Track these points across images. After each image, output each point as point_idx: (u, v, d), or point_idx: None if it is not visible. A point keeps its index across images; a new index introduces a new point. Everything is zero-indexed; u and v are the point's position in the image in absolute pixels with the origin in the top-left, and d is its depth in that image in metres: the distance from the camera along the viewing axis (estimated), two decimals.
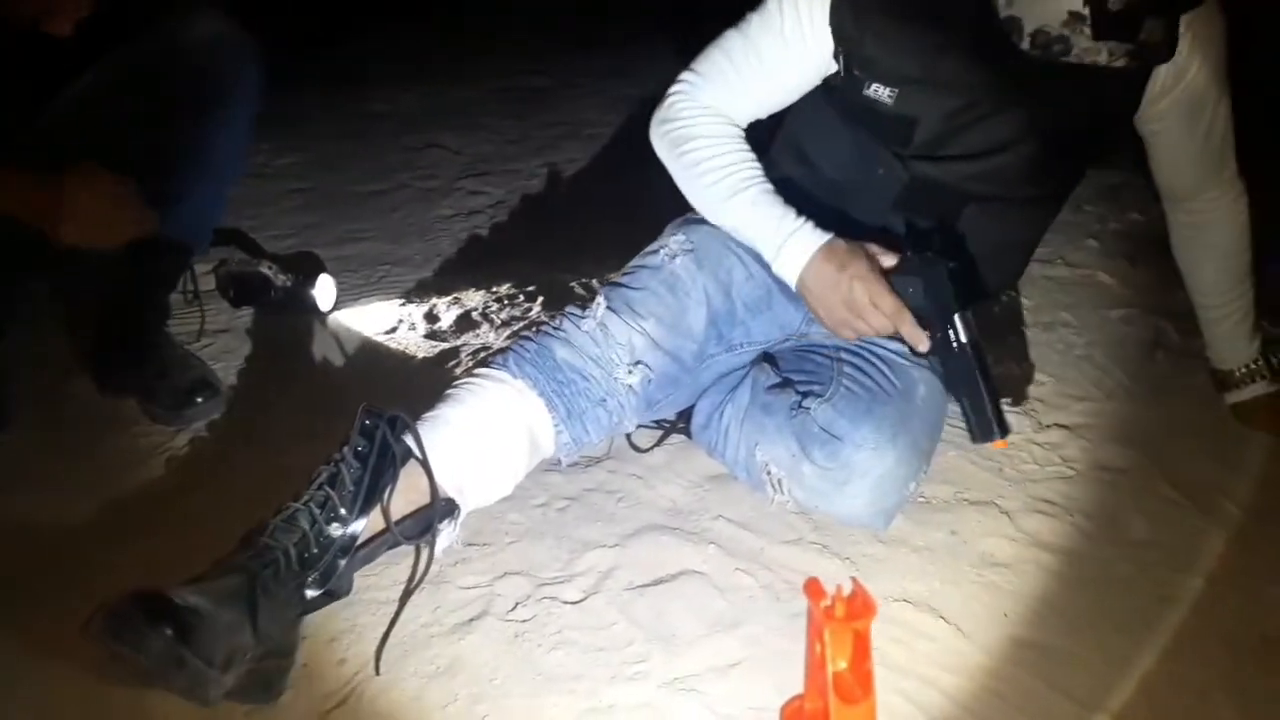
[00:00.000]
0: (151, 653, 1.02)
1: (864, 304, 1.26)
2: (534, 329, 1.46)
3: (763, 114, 1.43)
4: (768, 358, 1.55)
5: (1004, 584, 1.35)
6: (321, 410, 1.66)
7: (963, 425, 1.66)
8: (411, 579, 1.29)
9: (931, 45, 1.28)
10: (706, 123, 1.39)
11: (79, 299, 1.84)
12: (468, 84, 3.69)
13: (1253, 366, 1.65)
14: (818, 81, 1.39)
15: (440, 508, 1.27)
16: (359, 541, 1.22)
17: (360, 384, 1.83)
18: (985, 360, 1.23)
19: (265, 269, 2.06)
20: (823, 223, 1.31)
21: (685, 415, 1.60)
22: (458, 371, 1.84)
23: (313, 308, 2.04)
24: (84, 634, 1.04)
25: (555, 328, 1.43)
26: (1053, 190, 1.45)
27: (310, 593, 1.19)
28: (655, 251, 1.49)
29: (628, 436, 1.62)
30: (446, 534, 1.32)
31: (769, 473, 1.43)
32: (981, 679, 1.20)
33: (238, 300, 2.07)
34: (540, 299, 2.14)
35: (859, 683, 0.98)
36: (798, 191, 1.41)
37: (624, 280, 1.47)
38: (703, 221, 1.46)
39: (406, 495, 1.26)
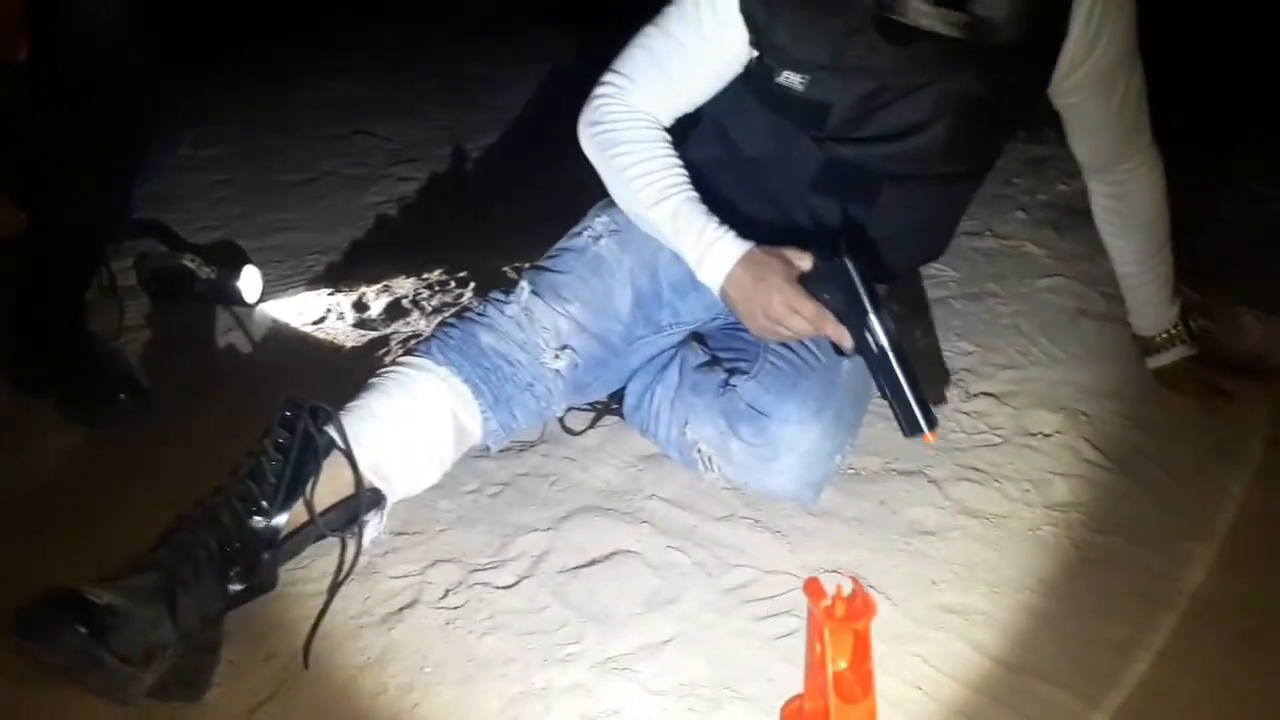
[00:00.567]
0: (65, 651, 1.01)
1: (783, 313, 1.26)
2: (458, 315, 1.44)
3: (690, 108, 1.42)
4: (697, 337, 1.55)
5: (931, 551, 1.37)
6: (248, 405, 1.62)
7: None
8: (339, 571, 1.28)
9: (838, 32, 1.28)
10: (633, 127, 1.36)
11: None
12: (397, 71, 3.64)
13: (1173, 331, 1.68)
14: (739, 70, 1.38)
15: (365, 498, 1.26)
16: (282, 534, 1.21)
17: (288, 376, 1.80)
18: (905, 356, 1.23)
19: (188, 262, 2.02)
20: (745, 203, 1.32)
21: (618, 397, 1.60)
22: (388, 360, 1.80)
23: (238, 300, 2.01)
24: None
25: (479, 313, 1.42)
26: (969, 168, 1.46)
27: (233, 587, 1.18)
28: (579, 234, 1.48)
29: (561, 420, 1.61)
30: (374, 525, 1.31)
31: (699, 451, 1.44)
32: (908, 644, 1.22)
33: (160, 295, 2.03)
34: (472, 284, 2.12)
35: (859, 682, 0.99)
36: (720, 171, 1.42)
37: (548, 264, 1.47)
38: None
39: (331, 486, 1.25)
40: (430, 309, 2.03)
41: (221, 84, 3.42)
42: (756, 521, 1.43)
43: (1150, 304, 1.67)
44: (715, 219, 1.32)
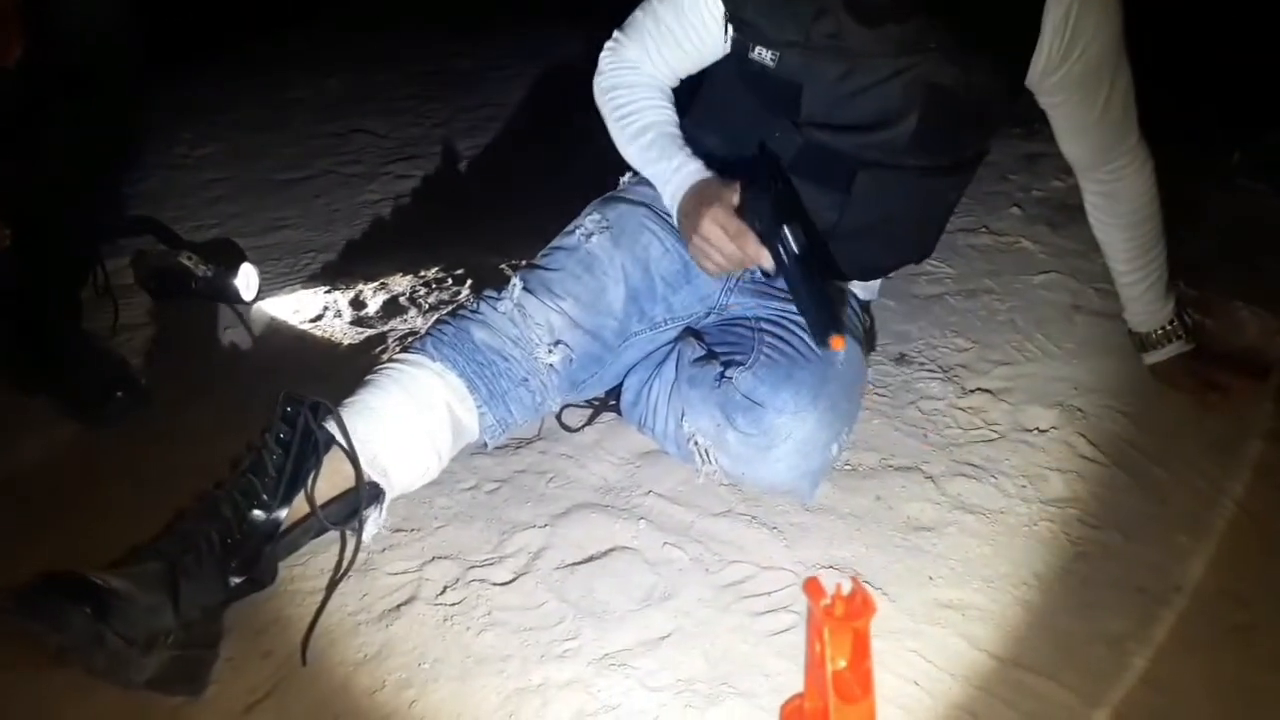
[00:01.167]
0: (70, 630, 1.02)
1: (709, 229, 1.30)
2: (452, 313, 1.45)
3: (678, 73, 1.51)
4: (693, 333, 1.55)
5: (928, 547, 1.38)
6: (245, 403, 1.63)
7: (885, 393, 1.71)
8: (339, 567, 1.29)
9: (807, 12, 1.32)
10: (625, 74, 1.50)
11: None
12: (394, 69, 3.64)
13: (1168, 328, 1.68)
14: (723, 46, 1.43)
15: (366, 492, 1.26)
16: (283, 528, 1.21)
17: (285, 374, 1.80)
18: (813, 268, 1.25)
19: (185, 260, 2.02)
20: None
21: (615, 393, 1.61)
22: (384, 358, 1.81)
23: (235, 298, 2.01)
24: None
25: (472, 310, 1.43)
26: (945, 163, 1.46)
27: (234, 579, 1.18)
28: (571, 232, 1.50)
29: (558, 417, 1.62)
30: (373, 520, 1.31)
31: (696, 443, 1.44)
32: (904, 639, 1.22)
33: (158, 293, 2.03)
34: (469, 282, 2.13)
35: (859, 682, 0.98)
36: (707, 150, 1.45)
37: (541, 262, 1.48)
38: (620, 200, 1.46)
39: (330, 481, 1.26)
40: (427, 306, 2.04)
41: (218, 82, 3.43)
42: (753, 518, 1.43)
43: (1144, 301, 1.67)
44: (687, 151, 1.42)
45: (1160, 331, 1.68)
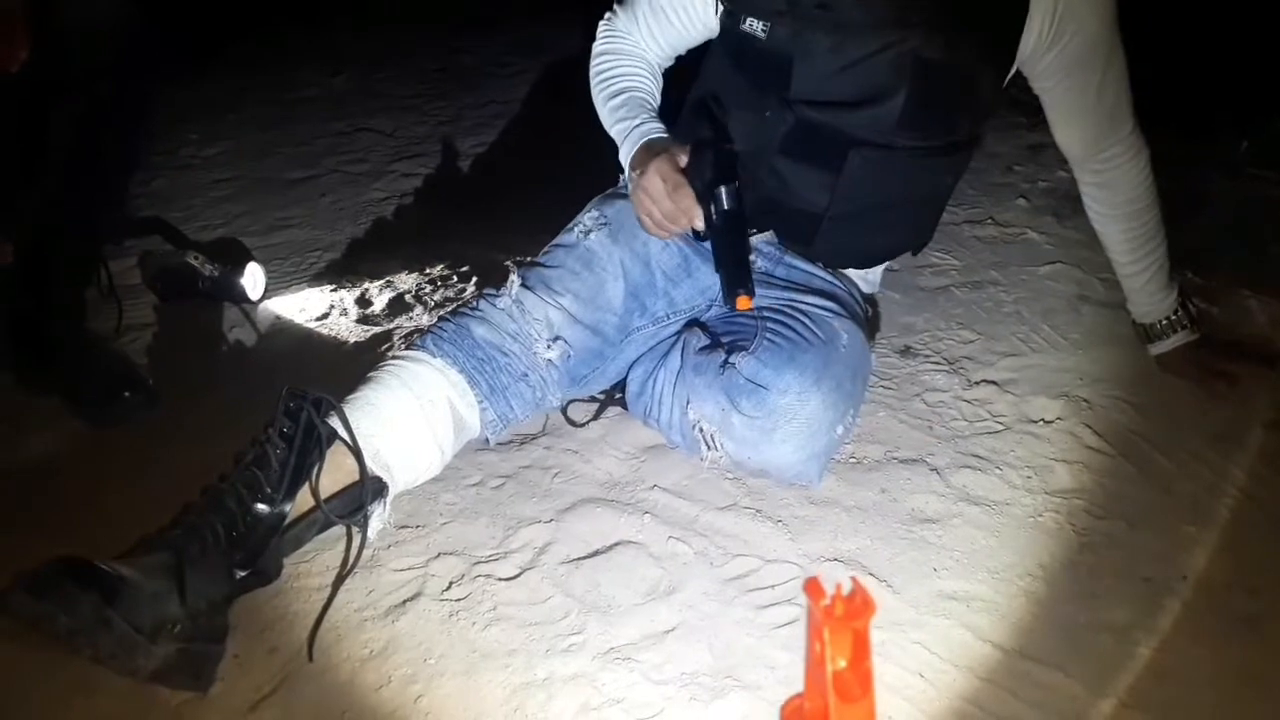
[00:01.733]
0: (77, 613, 1.02)
1: (650, 182, 1.35)
2: (452, 311, 1.46)
3: (666, 48, 1.55)
4: (698, 323, 1.55)
5: (932, 539, 1.38)
6: (252, 401, 1.62)
7: (891, 385, 1.71)
8: (344, 563, 1.29)
9: None
10: (615, 42, 1.55)
11: None
12: (399, 68, 3.64)
13: (1173, 318, 1.67)
14: (710, 24, 1.47)
15: (370, 486, 1.27)
16: (288, 521, 1.22)
17: (292, 372, 1.80)
18: (741, 231, 1.31)
19: (191, 259, 2.03)
20: (719, 161, 1.35)
21: (620, 388, 1.61)
22: (389, 355, 1.82)
23: (242, 297, 2.02)
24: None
25: (472, 308, 1.44)
26: (937, 144, 1.45)
27: (239, 572, 1.19)
28: (570, 230, 1.52)
29: (564, 412, 1.62)
30: (378, 515, 1.32)
31: (701, 430, 1.44)
32: (909, 631, 1.22)
33: (165, 293, 2.04)
34: (474, 279, 2.13)
35: (858, 681, 0.98)
36: (700, 132, 1.45)
37: (541, 260, 1.50)
38: (619, 196, 1.47)
39: (334, 475, 1.27)
40: (433, 304, 2.04)
41: (225, 82, 3.44)
42: (758, 511, 1.43)
43: (1146, 292, 1.66)
44: (651, 114, 1.48)
45: (1165, 322, 1.68)
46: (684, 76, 1.59)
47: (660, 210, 1.35)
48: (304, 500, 1.24)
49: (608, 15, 1.58)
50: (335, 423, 1.27)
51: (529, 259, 1.52)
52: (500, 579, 1.33)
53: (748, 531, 1.40)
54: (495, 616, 1.26)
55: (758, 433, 1.37)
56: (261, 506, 1.20)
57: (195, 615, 1.11)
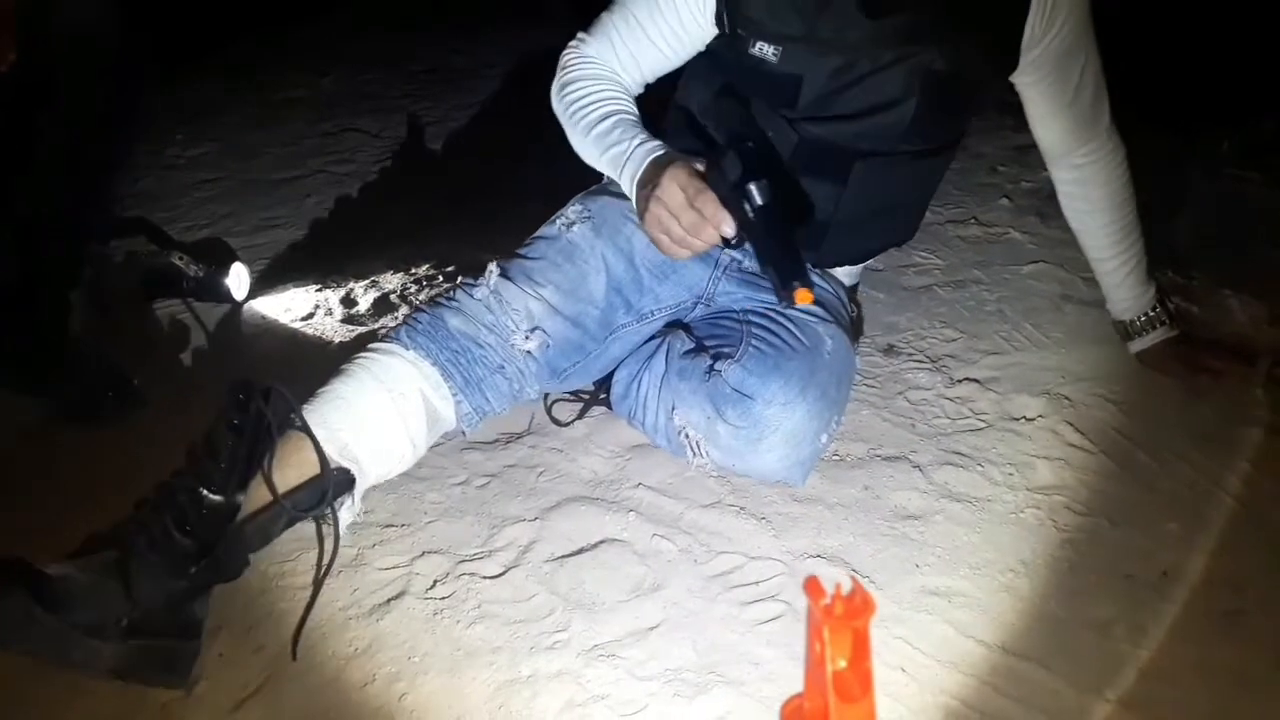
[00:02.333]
0: (2, 612, 1.02)
1: (669, 191, 1.23)
2: (428, 302, 1.46)
3: (645, 72, 1.47)
4: (681, 326, 1.56)
5: (915, 535, 1.38)
6: None
7: (874, 384, 1.71)
8: (321, 558, 1.29)
9: (811, 5, 1.31)
10: (585, 68, 1.44)
11: None
12: (385, 68, 3.64)
13: (1151, 314, 1.68)
14: (697, 47, 1.43)
15: (332, 477, 1.25)
16: (245, 514, 1.21)
17: (276, 372, 1.79)
18: (782, 223, 1.19)
19: (176, 259, 2.02)
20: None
21: (605, 387, 1.61)
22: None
23: (227, 297, 2.01)
24: None
25: (448, 298, 1.44)
26: (938, 145, 1.47)
27: (192, 567, 1.17)
28: (552, 222, 1.51)
29: (549, 411, 1.62)
30: (347, 509, 1.31)
31: (686, 436, 1.44)
32: (891, 627, 1.23)
33: (149, 293, 2.03)
34: (459, 279, 2.12)
35: (858, 681, 0.99)
36: (700, 143, 1.44)
37: (521, 251, 1.49)
38: (603, 192, 1.46)
39: (298, 469, 1.25)
40: (418, 303, 2.03)
41: (213, 82, 3.43)
42: (742, 509, 1.44)
43: (1125, 287, 1.67)
44: (645, 133, 1.36)
45: (1144, 318, 1.69)
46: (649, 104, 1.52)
47: (683, 223, 1.22)
48: (262, 493, 1.22)
49: (573, 45, 1.47)
50: (284, 409, 1.25)
51: (510, 252, 1.51)
52: (485, 577, 1.33)
53: (731, 529, 1.40)
54: (480, 614, 1.27)
55: (743, 442, 1.38)
56: (214, 498, 1.18)
57: (149, 610, 1.11)
